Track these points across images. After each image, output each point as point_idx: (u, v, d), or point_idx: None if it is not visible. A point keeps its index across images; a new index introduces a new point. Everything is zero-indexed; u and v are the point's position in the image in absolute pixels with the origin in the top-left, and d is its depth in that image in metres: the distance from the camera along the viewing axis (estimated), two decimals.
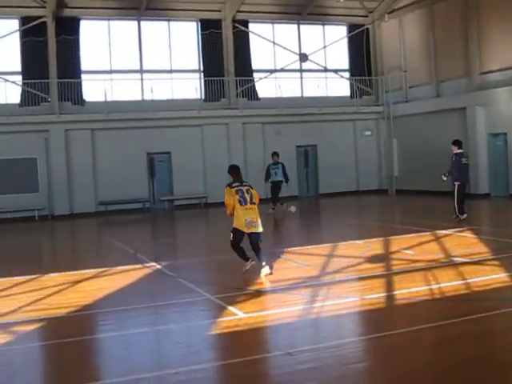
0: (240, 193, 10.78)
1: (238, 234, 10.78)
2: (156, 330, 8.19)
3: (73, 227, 24.04)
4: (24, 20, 27.06)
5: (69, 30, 27.33)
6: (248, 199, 10.77)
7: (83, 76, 27.70)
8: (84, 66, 27.82)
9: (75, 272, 12.16)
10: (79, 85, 27.38)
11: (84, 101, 27.57)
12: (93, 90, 27.87)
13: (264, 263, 10.70)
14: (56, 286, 10.72)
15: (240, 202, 10.72)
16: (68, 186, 26.53)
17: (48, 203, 26.51)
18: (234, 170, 11.32)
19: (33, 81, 26.57)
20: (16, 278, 11.64)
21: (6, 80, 26.95)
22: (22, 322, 8.37)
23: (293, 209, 22.34)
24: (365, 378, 5.99)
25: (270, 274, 10.65)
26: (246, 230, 10.73)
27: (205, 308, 9.19)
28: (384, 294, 9.06)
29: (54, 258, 16.21)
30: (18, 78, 27.23)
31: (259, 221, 10.83)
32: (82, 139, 26.80)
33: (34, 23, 26.95)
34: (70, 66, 27.26)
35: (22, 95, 26.93)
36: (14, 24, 27.30)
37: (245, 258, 10.97)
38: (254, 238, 10.86)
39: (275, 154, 23.64)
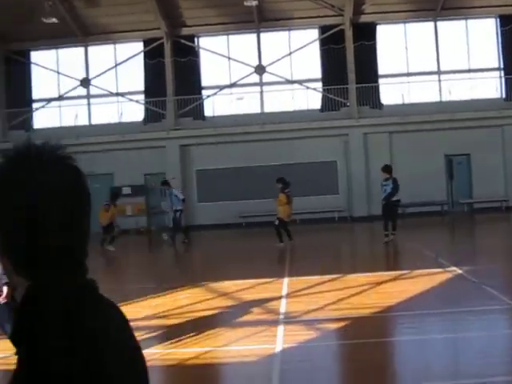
0: None
1: None
2: (455, 336, 7.96)
3: (371, 229, 24.44)
4: (323, 29, 28.25)
5: (366, 35, 27.82)
6: None
7: (380, 80, 28.06)
8: (381, 70, 28.17)
9: (377, 273, 12.31)
10: (377, 89, 27.79)
11: (382, 104, 27.91)
12: (390, 93, 28.12)
13: None
14: (359, 287, 10.91)
15: None
16: (366, 189, 27.06)
17: (347, 205, 27.34)
18: None
19: (332, 87, 27.59)
20: (321, 276, 12.15)
21: (308, 87, 28.45)
22: (326, 319, 8.66)
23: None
24: None
25: None
26: None
27: (509, 317, 8.79)
28: None
29: (355, 259, 16.65)
30: (318, 85, 28.51)
31: None
32: (380, 142, 27.14)
33: (333, 31, 27.98)
34: (368, 71, 27.74)
35: (322, 101, 28.14)
36: (314, 33, 28.66)
37: None
38: None
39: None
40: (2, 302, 6.18)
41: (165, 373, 6.89)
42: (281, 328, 8.13)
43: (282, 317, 8.85)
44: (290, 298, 10.19)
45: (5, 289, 6.23)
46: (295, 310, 9.32)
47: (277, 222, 18.31)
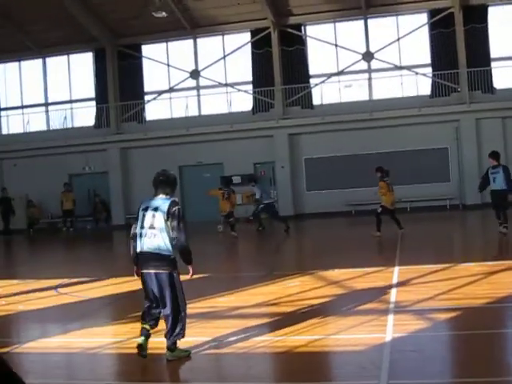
0: None
1: None
2: None
3: (483, 217, 23.78)
4: (432, 13, 27.59)
5: (476, 18, 26.96)
6: None
7: (493, 64, 27.09)
8: (493, 53, 27.18)
9: (490, 263, 11.99)
10: (489, 72, 26.85)
11: (494, 89, 26.98)
12: (503, 76, 27.12)
13: None
14: (471, 276, 10.66)
15: None
16: (479, 176, 26.21)
17: (459, 193, 26.71)
18: None
19: (442, 72, 26.96)
20: (432, 265, 11.97)
21: (417, 73, 27.90)
22: (437, 309, 8.56)
23: None
24: None
25: None
26: None
27: None
28: None
29: (466, 248, 16.26)
30: (428, 71, 27.92)
31: None
32: (493, 128, 26.29)
33: (442, 15, 27.26)
34: (479, 55, 26.89)
35: (432, 86, 27.55)
36: (422, 17, 28.05)
37: None
38: None
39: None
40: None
41: (274, 360, 7.03)
42: (391, 317, 8.10)
43: (392, 306, 8.81)
44: (401, 287, 10.11)
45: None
46: (405, 299, 9.25)
47: (379, 210, 18.17)
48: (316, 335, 7.52)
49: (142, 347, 6.79)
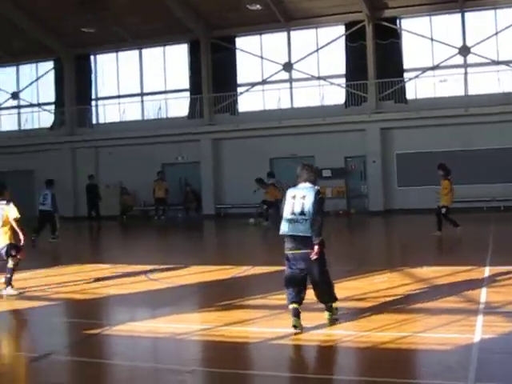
0: None
1: None
2: None
3: None
4: None
5: None
6: None
7: None
8: None
9: None
10: None
11: None
12: None
13: None
14: None
15: None
16: None
17: None
18: None
19: None
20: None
21: None
22: None
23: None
24: None
25: None
26: None
27: None
28: None
29: None
30: None
31: None
32: None
33: None
34: None
35: None
36: None
37: None
38: None
39: None
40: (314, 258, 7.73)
41: (359, 355, 7.00)
42: (480, 318, 7.91)
43: (481, 306, 8.60)
44: (491, 288, 9.85)
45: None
46: (496, 300, 9.02)
47: (444, 211, 17.56)
48: (403, 332, 7.44)
49: (296, 326, 7.56)
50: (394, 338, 7.24)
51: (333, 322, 7.99)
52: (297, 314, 7.62)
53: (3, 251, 10.89)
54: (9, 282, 10.94)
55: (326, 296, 8.04)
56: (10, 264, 10.89)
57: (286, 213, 7.85)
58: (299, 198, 7.82)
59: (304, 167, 8.15)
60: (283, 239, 7.90)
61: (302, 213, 7.73)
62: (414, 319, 8.16)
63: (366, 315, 8.40)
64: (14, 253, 10.89)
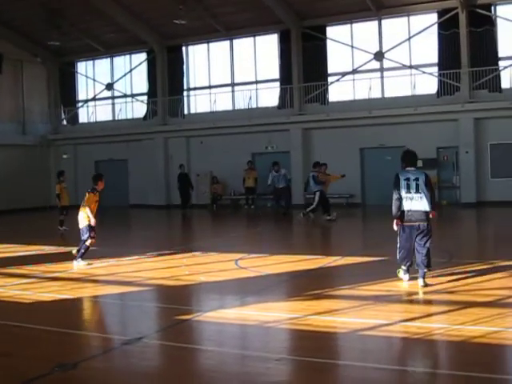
0: None
1: None
2: None
3: None
4: None
5: None
6: None
7: None
8: None
9: None
10: None
11: None
12: None
13: None
14: None
15: None
16: None
17: None
18: None
19: None
20: None
21: None
22: None
23: None
24: None
25: None
26: None
27: None
28: None
29: None
30: None
31: None
32: None
33: None
34: None
35: None
36: None
37: None
38: None
39: None
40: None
41: (450, 349, 6.89)
42: None
43: None
44: None
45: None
46: None
47: None
48: (495, 327, 7.29)
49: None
50: (486, 332, 7.11)
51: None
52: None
53: (84, 229, 13.10)
54: (80, 256, 13.10)
55: (427, 260, 9.73)
56: (88, 242, 13.05)
57: (402, 193, 9.77)
58: (413, 181, 9.80)
59: (408, 153, 10.32)
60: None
61: (418, 191, 9.73)
62: (507, 314, 7.98)
63: (457, 308, 8.27)
64: (92, 234, 13.04)
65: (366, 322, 7.64)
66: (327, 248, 14.25)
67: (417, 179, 9.81)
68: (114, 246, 16.27)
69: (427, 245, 9.74)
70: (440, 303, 8.73)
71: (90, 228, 13.07)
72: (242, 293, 10.13)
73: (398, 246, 9.97)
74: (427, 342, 6.98)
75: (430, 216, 9.72)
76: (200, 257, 14.00)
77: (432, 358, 6.63)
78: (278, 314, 8.44)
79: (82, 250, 13.12)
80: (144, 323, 8.39)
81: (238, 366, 6.61)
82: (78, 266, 12.93)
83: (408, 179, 9.81)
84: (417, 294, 9.32)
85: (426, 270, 9.73)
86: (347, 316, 8.18)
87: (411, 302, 8.49)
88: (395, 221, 9.85)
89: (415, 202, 9.70)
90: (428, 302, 8.83)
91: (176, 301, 9.74)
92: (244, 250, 14.74)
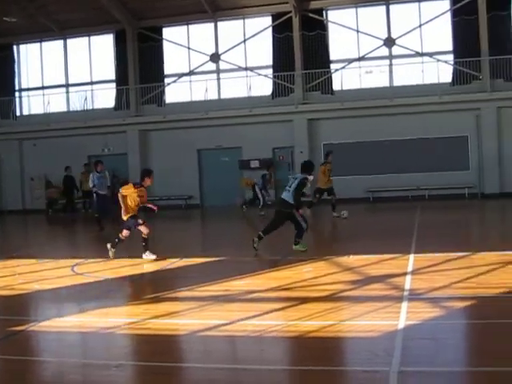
0: None
1: None
2: None
3: (503, 206, 23.65)
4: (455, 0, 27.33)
5: (499, 5, 26.53)
6: None
7: None
8: None
9: (507, 252, 11.86)
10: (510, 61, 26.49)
11: None
12: None
13: None
14: (487, 266, 10.60)
15: None
16: (499, 165, 26.16)
17: (478, 181, 26.52)
18: None
19: (464, 59, 26.67)
20: (448, 253, 11.90)
21: (438, 60, 27.63)
22: (452, 298, 8.52)
23: None
24: None
25: None
26: None
27: None
28: None
29: (484, 237, 16.16)
30: (450, 58, 27.65)
31: None
32: None
33: (465, 1, 26.90)
34: (502, 42, 26.47)
35: (453, 74, 27.28)
36: (444, 4, 27.80)
37: None
38: None
39: None
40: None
41: (286, 344, 7.04)
42: (405, 305, 8.08)
43: (406, 293, 8.79)
44: (415, 275, 10.09)
45: None
46: (420, 287, 9.23)
47: None
48: (329, 321, 7.53)
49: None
50: (320, 326, 7.32)
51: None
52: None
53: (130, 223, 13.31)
54: (146, 248, 13.30)
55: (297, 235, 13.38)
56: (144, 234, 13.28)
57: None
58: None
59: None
60: None
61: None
62: (341, 307, 8.28)
63: (293, 305, 8.46)
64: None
65: (206, 323, 7.64)
66: (165, 250, 14.11)
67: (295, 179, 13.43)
68: None
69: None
70: (277, 300, 8.91)
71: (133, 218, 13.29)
72: (79, 299, 9.81)
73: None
74: (265, 339, 7.09)
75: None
76: (35, 264, 13.42)
77: (269, 355, 6.72)
78: (117, 319, 8.24)
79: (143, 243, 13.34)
80: None
81: (77, 375, 6.35)
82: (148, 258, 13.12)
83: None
84: (254, 292, 9.46)
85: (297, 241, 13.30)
86: (187, 318, 8.15)
87: (248, 300, 8.59)
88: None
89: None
90: (265, 300, 8.98)
91: (9, 311, 9.25)
92: (81, 255, 14.33)
